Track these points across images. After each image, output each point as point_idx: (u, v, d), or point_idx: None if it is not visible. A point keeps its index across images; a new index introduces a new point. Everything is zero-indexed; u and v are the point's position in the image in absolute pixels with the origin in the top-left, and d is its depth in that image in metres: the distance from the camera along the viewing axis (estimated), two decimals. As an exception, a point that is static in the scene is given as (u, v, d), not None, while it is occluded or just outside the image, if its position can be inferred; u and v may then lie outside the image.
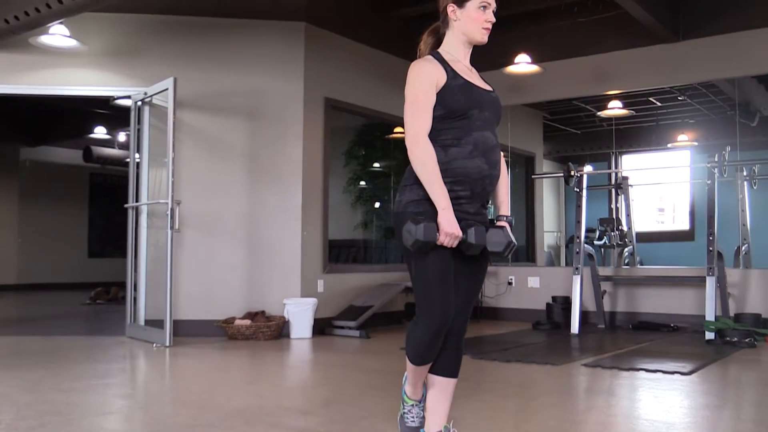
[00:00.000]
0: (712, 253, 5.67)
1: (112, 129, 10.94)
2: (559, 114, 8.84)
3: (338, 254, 6.96)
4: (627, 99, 7.74)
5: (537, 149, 8.87)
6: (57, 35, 5.64)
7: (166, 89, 5.48)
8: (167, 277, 5.28)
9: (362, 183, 8.13)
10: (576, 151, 9.18)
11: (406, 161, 2.23)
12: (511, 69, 6.92)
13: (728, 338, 5.31)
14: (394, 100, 6.11)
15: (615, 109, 7.86)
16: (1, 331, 6.24)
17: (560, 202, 9.19)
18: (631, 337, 5.84)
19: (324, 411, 3.22)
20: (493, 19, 2.30)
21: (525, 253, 8.50)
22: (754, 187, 6.64)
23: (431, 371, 2.34)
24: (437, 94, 2.21)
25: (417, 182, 2.20)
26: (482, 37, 2.30)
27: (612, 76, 7.11)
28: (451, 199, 2.17)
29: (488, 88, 2.35)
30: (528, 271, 7.58)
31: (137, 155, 6.05)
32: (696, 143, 8.43)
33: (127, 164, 6.76)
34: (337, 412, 3.16)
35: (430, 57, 2.29)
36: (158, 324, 5.39)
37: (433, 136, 2.21)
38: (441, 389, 2.34)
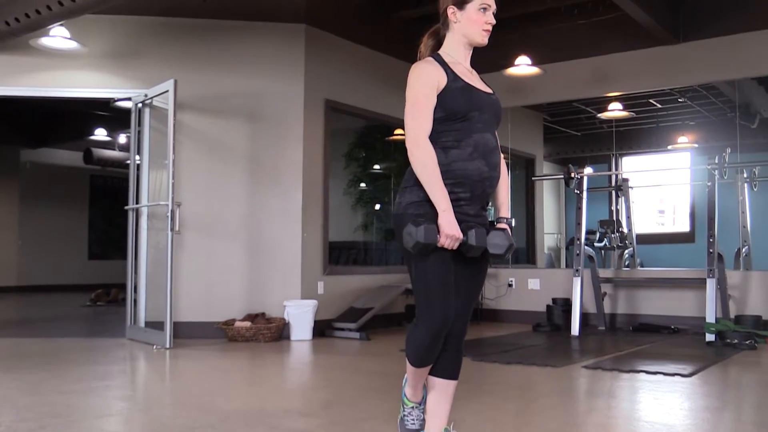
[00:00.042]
0: (713, 254, 5.67)
1: (112, 131, 10.93)
2: (559, 116, 8.83)
3: (338, 256, 6.96)
4: (627, 101, 7.74)
5: (537, 151, 8.86)
6: (58, 37, 5.64)
7: (167, 91, 5.49)
8: (167, 278, 5.28)
9: (362, 185, 8.14)
10: (576, 152, 9.18)
11: (407, 163, 2.23)
12: (511, 71, 6.92)
13: (729, 340, 5.31)
14: (395, 102, 6.13)
15: (615, 111, 7.86)
16: (1, 333, 6.24)
17: (560, 204, 9.19)
18: (631, 339, 5.84)
19: (324, 413, 3.21)
20: (494, 21, 2.30)
21: (525, 254, 8.50)
22: (755, 189, 6.65)
23: (431, 373, 2.33)
24: (438, 96, 2.21)
25: (417, 184, 2.20)
26: (482, 39, 2.30)
27: (612, 78, 7.11)
28: (452, 200, 2.17)
29: (488, 90, 2.35)
30: (528, 273, 7.57)
31: (137, 157, 6.05)
32: (696, 145, 8.44)
33: (127, 166, 6.75)
34: (337, 414, 3.15)
35: (430, 59, 2.29)
36: (158, 326, 5.39)
37: (434, 138, 2.21)
38: (441, 391, 2.34)
